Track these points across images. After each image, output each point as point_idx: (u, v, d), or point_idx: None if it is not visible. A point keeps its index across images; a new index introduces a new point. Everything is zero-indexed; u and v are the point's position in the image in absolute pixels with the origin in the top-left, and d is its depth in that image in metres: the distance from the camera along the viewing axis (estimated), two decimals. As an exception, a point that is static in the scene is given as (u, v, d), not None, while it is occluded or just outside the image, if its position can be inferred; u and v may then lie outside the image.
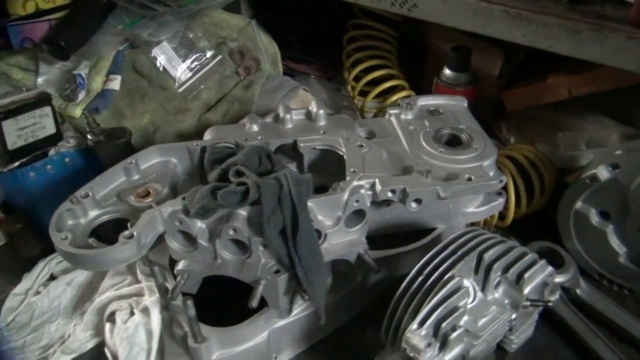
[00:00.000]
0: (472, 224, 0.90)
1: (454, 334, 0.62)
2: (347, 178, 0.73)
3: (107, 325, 0.77)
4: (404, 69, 1.18)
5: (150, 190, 0.72)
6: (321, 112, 0.84)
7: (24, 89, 0.91)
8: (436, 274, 0.66)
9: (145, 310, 0.74)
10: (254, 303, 0.67)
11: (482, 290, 0.69)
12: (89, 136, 0.84)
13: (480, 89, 1.09)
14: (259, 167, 0.73)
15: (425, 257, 0.68)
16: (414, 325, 0.62)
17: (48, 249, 0.95)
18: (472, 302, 0.68)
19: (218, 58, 0.97)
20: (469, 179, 0.74)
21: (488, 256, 0.67)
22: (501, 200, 0.85)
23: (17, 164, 0.87)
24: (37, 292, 0.87)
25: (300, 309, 0.76)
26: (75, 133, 0.94)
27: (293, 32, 1.28)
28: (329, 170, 0.84)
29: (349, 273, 0.80)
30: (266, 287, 0.68)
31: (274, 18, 1.23)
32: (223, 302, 0.74)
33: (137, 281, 0.80)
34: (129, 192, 0.73)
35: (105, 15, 0.94)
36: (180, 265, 0.71)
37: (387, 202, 0.78)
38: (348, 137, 0.81)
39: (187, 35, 0.95)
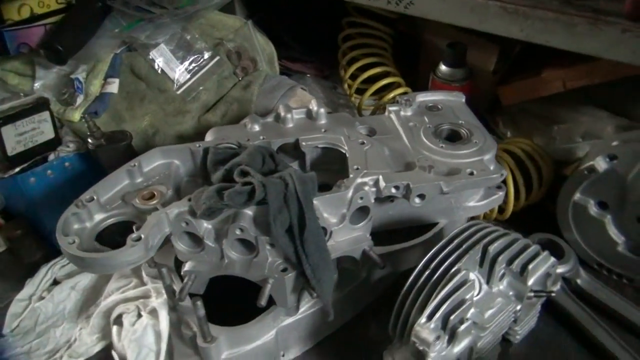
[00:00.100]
0: (472, 218, 0.91)
1: (462, 327, 0.63)
2: (351, 175, 0.74)
3: (114, 328, 0.77)
4: (399, 65, 1.18)
5: (155, 193, 0.72)
6: (322, 110, 0.84)
7: (22, 94, 0.91)
8: (442, 267, 0.66)
9: (153, 312, 0.74)
10: (263, 302, 0.67)
11: (487, 282, 0.71)
12: (89, 140, 0.84)
13: (476, 84, 1.10)
14: (263, 167, 0.74)
15: (431, 252, 0.69)
16: (423, 319, 0.62)
17: (49, 254, 0.95)
18: (478, 294, 0.69)
19: (216, 59, 0.97)
20: (471, 174, 0.75)
21: (493, 249, 0.68)
22: (501, 193, 0.86)
23: (17, 169, 0.87)
24: (41, 298, 0.87)
25: (306, 307, 0.76)
26: (75, 137, 0.94)
27: (288, 31, 1.28)
28: (330, 169, 0.85)
29: (354, 270, 0.81)
30: (274, 286, 0.69)
31: (269, 18, 1.23)
32: (227, 301, 0.74)
33: (143, 283, 0.80)
34: (134, 194, 0.73)
35: (102, 18, 0.93)
36: (187, 267, 0.72)
37: (391, 198, 0.78)
38: (349, 135, 0.82)
39: (184, 37, 0.95)
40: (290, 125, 0.84)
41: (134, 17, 0.92)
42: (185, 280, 0.70)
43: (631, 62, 0.75)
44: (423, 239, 0.83)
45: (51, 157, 0.91)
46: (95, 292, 0.87)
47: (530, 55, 1.10)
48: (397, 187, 0.73)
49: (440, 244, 0.70)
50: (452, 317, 0.63)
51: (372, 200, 0.74)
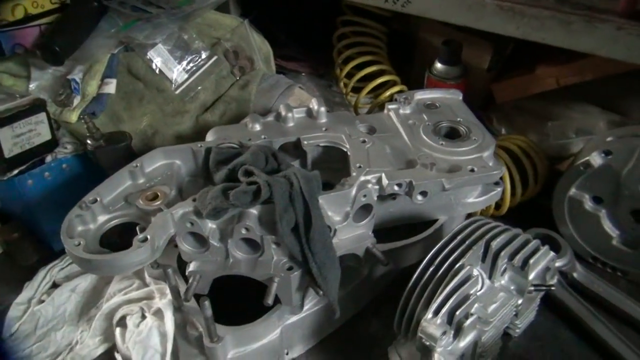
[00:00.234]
0: (469, 214, 0.93)
1: (468, 321, 0.64)
2: (354, 174, 0.75)
3: (118, 330, 0.77)
4: (393, 63, 1.19)
5: (159, 193, 0.72)
6: (322, 109, 0.85)
7: (17, 95, 0.90)
8: (447, 263, 0.67)
9: (157, 313, 0.74)
10: (270, 300, 0.68)
11: (490, 277, 0.72)
12: (88, 141, 0.84)
13: (470, 81, 1.12)
14: (266, 166, 0.74)
15: (435, 248, 0.70)
16: (429, 315, 0.63)
17: (46, 256, 0.94)
18: (481, 289, 0.70)
19: (214, 59, 0.97)
20: (472, 170, 0.76)
21: (495, 244, 0.69)
22: (499, 189, 0.88)
23: (15, 172, 0.86)
24: (41, 301, 0.86)
25: (310, 305, 0.77)
26: (72, 139, 0.93)
27: (282, 30, 1.28)
28: (331, 167, 0.85)
29: (356, 267, 0.81)
30: (279, 284, 0.69)
31: (263, 17, 1.23)
32: (227, 300, 0.74)
33: (146, 285, 0.80)
34: (137, 195, 0.72)
35: (98, 18, 0.92)
36: (191, 267, 0.72)
37: (393, 196, 0.79)
38: (350, 133, 0.82)
39: (181, 36, 0.95)
40: (291, 124, 0.85)
41: (130, 17, 0.91)
42: (190, 281, 0.70)
43: (626, 60, 0.77)
44: (424, 236, 0.84)
45: (48, 158, 0.90)
46: (95, 294, 0.86)
47: (524, 53, 1.11)
48: (399, 185, 0.74)
49: (444, 240, 0.70)
50: (457, 312, 0.64)
51: (375, 198, 0.75)
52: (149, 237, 0.64)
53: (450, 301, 0.64)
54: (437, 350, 0.63)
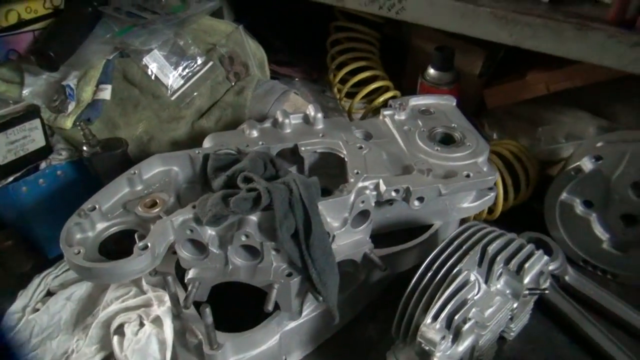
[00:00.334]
0: (464, 219, 0.94)
1: (466, 326, 0.65)
2: (351, 180, 0.75)
3: (115, 338, 0.76)
4: (386, 69, 1.20)
5: (158, 200, 0.72)
6: (319, 115, 0.85)
7: (10, 101, 0.89)
8: (444, 268, 0.68)
9: (156, 321, 0.74)
10: (270, 307, 0.68)
11: (486, 282, 0.72)
12: (84, 148, 0.83)
13: (462, 87, 1.13)
14: (265, 173, 0.74)
15: (433, 253, 0.70)
16: (428, 320, 0.64)
17: (40, 264, 0.93)
18: (477, 294, 0.71)
19: (209, 64, 0.97)
20: (467, 176, 0.77)
21: (491, 249, 0.70)
22: (492, 194, 0.89)
23: (11, 179, 0.85)
24: (35, 309, 0.85)
25: (309, 310, 0.77)
26: (67, 145, 0.92)
27: (276, 35, 1.28)
28: (327, 173, 0.86)
29: (353, 272, 0.82)
30: (279, 291, 0.69)
31: (256, 22, 1.24)
32: (225, 306, 0.74)
33: (143, 292, 0.79)
34: (135, 202, 0.72)
35: (93, 24, 0.92)
36: (190, 274, 0.72)
37: (390, 202, 0.80)
38: (347, 140, 0.83)
39: (177, 42, 0.95)
40: (288, 130, 0.85)
41: (126, 23, 0.91)
42: (190, 288, 0.70)
43: (616, 67, 0.79)
44: (420, 241, 0.85)
45: (43, 165, 0.90)
46: (91, 302, 0.86)
47: (515, 59, 1.13)
48: (397, 191, 0.75)
49: (441, 245, 0.71)
50: (456, 317, 0.64)
51: (373, 204, 0.76)
52: (149, 244, 0.64)
53: (449, 306, 0.65)
54: (437, 354, 0.64)
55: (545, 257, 0.76)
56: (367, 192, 0.75)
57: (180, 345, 0.74)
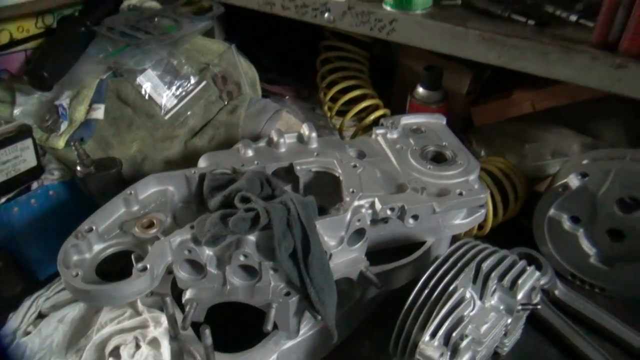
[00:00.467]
0: (454, 235, 0.95)
1: (464, 343, 0.66)
2: (347, 199, 0.76)
3: (110, 360, 0.75)
4: (375, 87, 1.22)
5: (155, 221, 0.72)
6: (314, 134, 0.86)
7: (2, 121, 0.88)
8: (441, 286, 0.69)
9: (153, 342, 0.73)
10: (269, 327, 0.68)
11: (480, 298, 0.74)
12: (78, 168, 0.83)
13: (450, 105, 1.16)
14: (261, 192, 0.75)
15: (429, 271, 0.72)
16: (426, 337, 0.65)
17: (30, 286, 0.92)
18: (473, 310, 0.73)
19: (203, 84, 0.97)
20: (460, 194, 0.79)
21: (486, 266, 0.72)
22: (483, 211, 0.90)
23: (3, 200, 0.84)
24: (27, 332, 0.84)
25: (305, 329, 0.77)
26: (59, 165, 0.92)
27: (266, 54, 1.30)
28: (322, 191, 0.87)
29: (348, 290, 0.83)
30: (277, 310, 0.70)
31: (247, 41, 1.25)
32: (220, 326, 0.74)
33: (138, 313, 0.79)
34: (132, 223, 0.72)
35: (86, 44, 0.92)
36: (188, 294, 0.72)
37: (384, 220, 0.81)
38: (341, 158, 0.84)
39: (171, 62, 0.95)
40: (283, 149, 0.86)
41: (119, 43, 0.91)
42: (187, 309, 0.70)
43: (600, 88, 0.81)
44: (413, 258, 0.86)
45: (34, 185, 0.89)
46: (84, 324, 0.84)
47: (501, 78, 1.16)
48: (392, 209, 0.76)
49: (437, 263, 0.73)
50: (454, 334, 0.65)
51: (369, 222, 0.77)
52: (148, 266, 0.64)
53: (447, 323, 0.66)
54: (435, 372, 0.64)
55: (537, 273, 0.77)
56: (363, 210, 0.76)
57: (177, 367, 0.73)
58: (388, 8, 0.94)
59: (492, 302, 0.75)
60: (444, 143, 0.91)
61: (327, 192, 0.86)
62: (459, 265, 0.72)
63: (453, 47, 0.91)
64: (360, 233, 0.77)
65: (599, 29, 0.79)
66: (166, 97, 0.95)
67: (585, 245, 0.93)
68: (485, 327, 0.71)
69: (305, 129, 0.87)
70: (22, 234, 0.88)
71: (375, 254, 0.86)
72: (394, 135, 0.92)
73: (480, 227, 1.00)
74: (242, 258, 0.68)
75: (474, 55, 0.89)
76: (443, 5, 0.96)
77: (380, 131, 0.92)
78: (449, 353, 0.66)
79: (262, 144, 0.87)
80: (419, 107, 1.13)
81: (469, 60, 0.92)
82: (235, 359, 0.71)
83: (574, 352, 0.84)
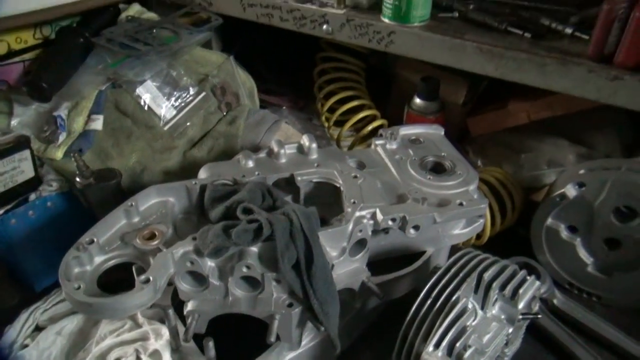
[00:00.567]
0: (453, 245, 0.96)
1: (467, 353, 0.66)
2: (349, 210, 0.76)
3: (111, 374, 0.75)
4: (371, 98, 1.23)
5: (156, 232, 0.72)
6: (314, 145, 0.87)
7: (-1, 132, 0.88)
8: (443, 296, 0.70)
9: (154, 355, 0.73)
10: (272, 338, 0.68)
11: (482, 308, 0.74)
12: (77, 179, 0.82)
13: (446, 115, 1.17)
14: (263, 203, 0.75)
15: (431, 281, 0.72)
16: (430, 348, 0.65)
17: (27, 298, 0.91)
18: (475, 320, 0.73)
19: (202, 95, 0.98)
20: (461, 204, 0.79)
21: (487, 276, 0.72)
22: (482, 221, 0.91)
23: (1, 211, 0.83)
24: (24, 345, 0.83)
25: (307, 340, 0.77)
26: (57, 176, 0.91)
27: (262, 64, 1.30)
28: (322, 202, 0.87)
29: (349, 301, 0.83)
30: (280, 321, 0.69)
31: (244, 52, 1.25)
32: (221, 337, 0.74)
33: (138, 325, 0.78)
34: (133, 235, 0.72)
35: (85, 55, 0.92)
36: (189, 306, 0.71)
37: (385, 230, 0.81)
38: (342, 169, 0.84)
39: (170, 73, 0.95)
40: (284, 160, 0.86)
41: (119, 54, 0.91)
42: (189, 321, 0.70)
43: (596, 99, 0.83)
44: (414, 268, 0.86)
45: (32, 196, 0.88)
46: (82, 336, 0.84)
47: (497, 89, 1.17)
48: (394, 220, 0.76)
49: (439, 273, 0.73)
50: (457, 344, 0.66)
51: (370, 233, 0.77)
52: (151, 278, 0.63)
53: (450, 333, 0.66)
54: (439, 382, 0.64)
55: (538, 283, 0.78)
56: (365, 221, 0.76)
57: (178, 379, 0.73)
58: (386, 20, 0.95)
59: (494, 311, 0.75)
60: (442, 153, 0.91)
61: (327, 202, 0.86)
62: (460, 275, 0.72)
63: (451, 59, 0.92)
64: (361, 243, 0.78)
65: (595, 42, 0.81)
66: (165, 108, 0.95)
67: (583, 254, 0.94)
68: (487, 337, 0.72)
69: (305, 140, 0.87)
70: (20, 245, 0.87)
71: (369, 265, 0.86)
72: (393, 145, 0.93)
73: (478, 236, 1.01)
74: (244, 269, 0.68)
75: (471, 67, 0.91)
76: (440, 18, 0.97)
77: (379, 142, 0.93)
78: (452, 363, 0.66)
79: (262, 154, 0.87)
80: (416, 117, 1.14)
81: (465, 71, 0.93)
82: (237, 372, 0.70)
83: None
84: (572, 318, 0.91)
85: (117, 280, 0.70)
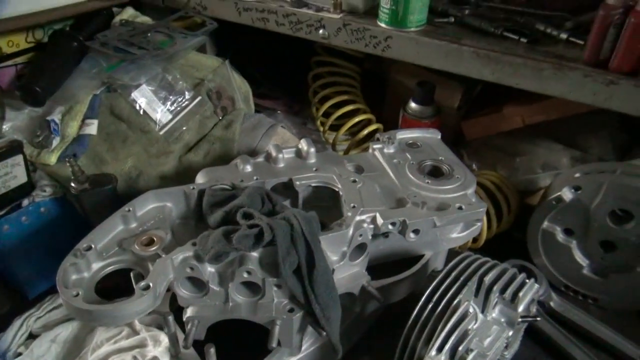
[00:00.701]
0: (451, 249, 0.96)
1: (469, 357, 0.66)
2: (349, 214, 0.76)
3: (108, 382, 0.73)
4: (366, 102, 1.23)
5: (155, 238, 0.71)
6: (312, 150, 0.86)
7: (-9, 137, 0.86)
8: (445, 300, 0.69)
9: (152, 362, 0.72)
10: (274, 344, 0.67)
11: (482, 311, 0.74)
12: (72, 184, 0.81)
13: (442, 119, 1.17)
14: (262, 208, 0.74)
15: (432, 285, 0.72)
16: (433, 352, 0.65)
17: (19, 305, 0.89)
18: (476, 324, 0.73)
19: (198, 99, 0.97)
20: (460, 208, 0.80)
21: (488, 279, 0.72)
22: (479, 224, 0.91)
23: (-6, 218, 0.82)
24: (18, 354, 0.81)
25: (307, 345, 0.77)
26: (50, 181, 0.89)
27: (257, 69, 1.30)
28: (320, 205, 0.86)
29: (348, 305, 0.82)
30: (281, 327, 0.69)
31: (238, 56, 1.25)
32: (219, 342, 0.73)
33: (136, 332, 0.77)
34: (131, 241, 0.71)
35: (79, 59, 0.91)
36: (189, 312, 0.70)
37: (385, 234, 0.81)
38: (340, 173, 0.84)
39: (165, 77, 0.94)
40: (282, 164, 0.86)
41: (114, 58, 0.90)
42: (189, 327, 0.69)
43: (592, 104, 0.83)
44: (412, 271, 0.86)
45: (25, 202, 0.87)
46: (77, 344, 0.82)
47: (491, 93, 1.18)
48: (393, 224, 0.76)
49: (439, 277, 0.73)
50: (460, 348, 0.66)
51: (370, 237, 0.77)
52: (150, 284, 0.62)
53: (452, 337, 0.66)
54: (442, 386, 0.64)
55: (536, 286, 0.78)
56: (365, 225, 0.76)
57: (177, 387, 0.72)
58: (383, 25, 0.96)
59: (494, 315, 0.75)
60: (440, 157, 0.91)
61: (325, 206, 0.86)
62: (461, 279, 0.72)
63: (448, 63, 0.92)
64: (361, 248, 0.77)
65: (591, 47, 0.82)
66: (161, 113, 0.94)
67: (579, 256, 0.95)
68: (488, 340, 0.72)
69: (303, 144, 0.87)
70: (12, 252, 0.86)
71: (367, 269, 0.86)
72: (390, 150, 0.93)
73: (475, 239, 1.01)
74: (245, 275, 0.67)
75: (468, 71, 0.91)
76: (436, 23, 0.98)
77: (377, 146, 0.93)
78: (455, 368, 0.66)
79: (260, 159, 0.86)
80: (411, 121, 1.14)
81: (460, 75, 0.93)
82: (238, 378, 0.69)
83: (569, 361, 0.85)
84: (568, 320, 0.92)
85: (113, 286, 0.69)
